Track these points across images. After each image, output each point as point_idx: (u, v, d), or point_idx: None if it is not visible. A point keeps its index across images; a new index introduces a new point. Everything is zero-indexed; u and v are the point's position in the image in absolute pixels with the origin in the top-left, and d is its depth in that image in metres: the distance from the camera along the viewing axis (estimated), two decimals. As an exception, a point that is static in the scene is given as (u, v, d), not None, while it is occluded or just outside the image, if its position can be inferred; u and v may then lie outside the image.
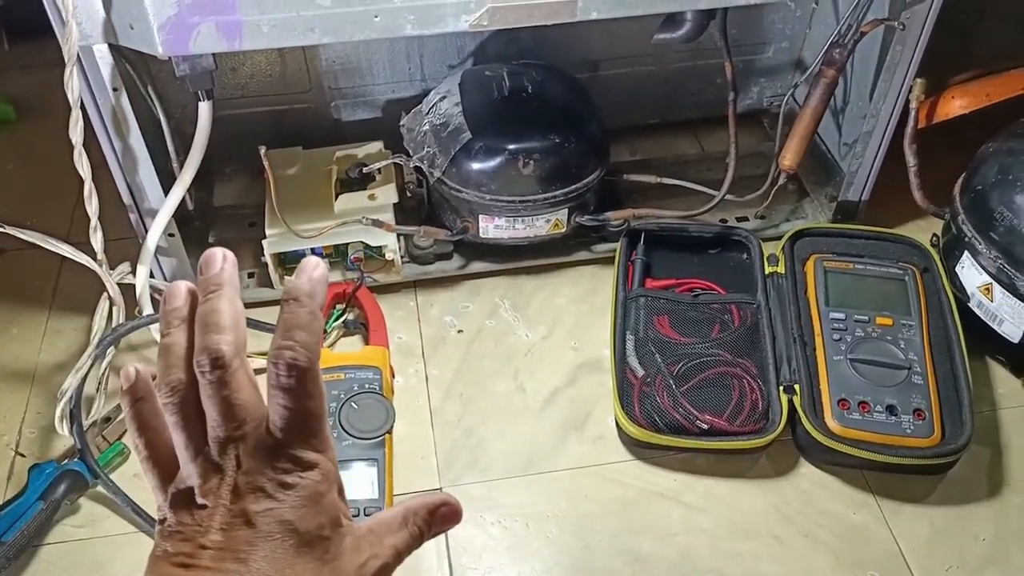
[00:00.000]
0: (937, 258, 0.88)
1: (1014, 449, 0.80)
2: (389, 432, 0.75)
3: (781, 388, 0.79)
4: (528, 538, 0.74)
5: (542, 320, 0.90)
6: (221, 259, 0.42)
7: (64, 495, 0.73)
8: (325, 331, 0.86)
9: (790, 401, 0.78)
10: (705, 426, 0.76)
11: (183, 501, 0.41)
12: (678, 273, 0.91)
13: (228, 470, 0.40)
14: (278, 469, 0.40)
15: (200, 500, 0.40)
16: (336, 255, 0.91)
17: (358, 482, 0.73)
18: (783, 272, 0.88)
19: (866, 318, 0.82)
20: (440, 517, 0.44)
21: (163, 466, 0.43)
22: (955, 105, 0.93)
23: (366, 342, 0.87)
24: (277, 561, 0.39)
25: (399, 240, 0.90)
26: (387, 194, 0.89)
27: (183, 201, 0.80)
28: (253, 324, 0.84)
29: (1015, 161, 0.82)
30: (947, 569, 0.72)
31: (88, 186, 0.72)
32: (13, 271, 0.95)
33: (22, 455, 0.79)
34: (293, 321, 0.40)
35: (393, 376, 0.83)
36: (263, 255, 0.87)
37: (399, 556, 0.43)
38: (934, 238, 0.92)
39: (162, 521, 0.42)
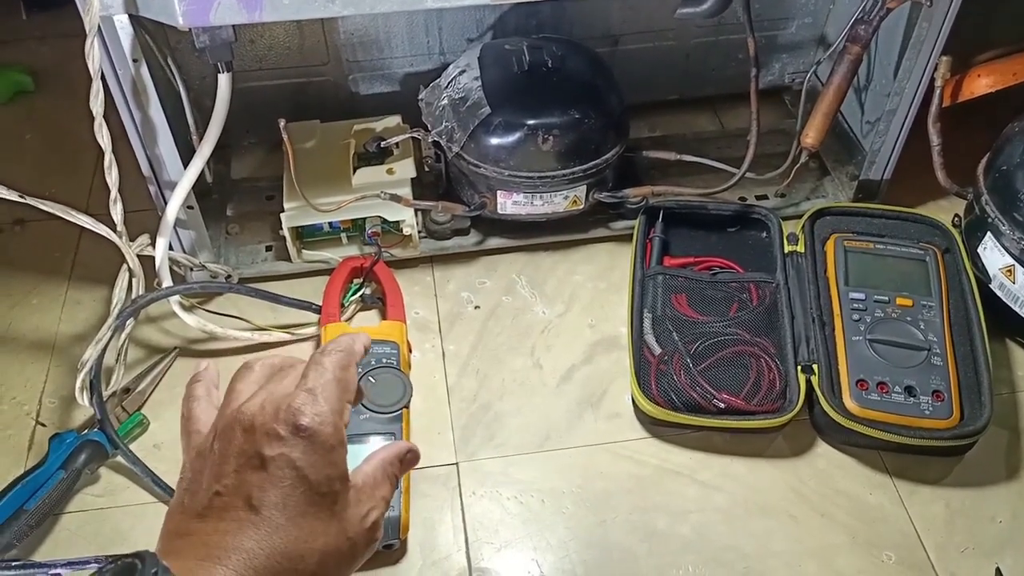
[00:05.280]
0: (959, 239, 0.87)
1: (1033, 432, 0.80)
2: (406, 406, 0.75)
3: (799, 368, 0.79)
4: (544, 513, 0.74)
5: (559, 297, 0.90)
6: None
7: (84, 465, 0.74)
8: (343, 305, 0.86)
9: (808, 381, 0.78)
10: (722, 405, 0.76)
11: (202, 449, 0.44)
12: (696, 251, 0.90)
13: (247, 411, 0.43)
14: (292, 414, 0.42)
15: (215, 444, 0.43)
16: (354, 229, 0.91)
17: (375, 456, 0.73)
18: (803, 251, 0.87)
19: (886, 298, 0.82)
20: (407, 463, 0.49)
21: (197, 431, 0.46)
22: (981, 83, 0.91)
23: (383, 317, 0.87)
24: (289, 510, 0.41)
25: (417, 215, 0.90)
26: (405, 168, 0.89)
27: (201, 173, 0.80)
28: (272, 298, 0.85)
29: (1041, 141, 0.81)
30: (963, 551, 0.72)
31: (108, 157, 0.71)
32: (33, 242, 0.95)
33: (43, 425, 0.80)
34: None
35: (410, 351, 0.83)
36: (281, 228, 0.87)
37: (387, 504, 0.47)
38: (956, 219, 0.91)
39: (182, 475, 0.44)
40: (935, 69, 0.86)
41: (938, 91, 0.88)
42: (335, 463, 0.43)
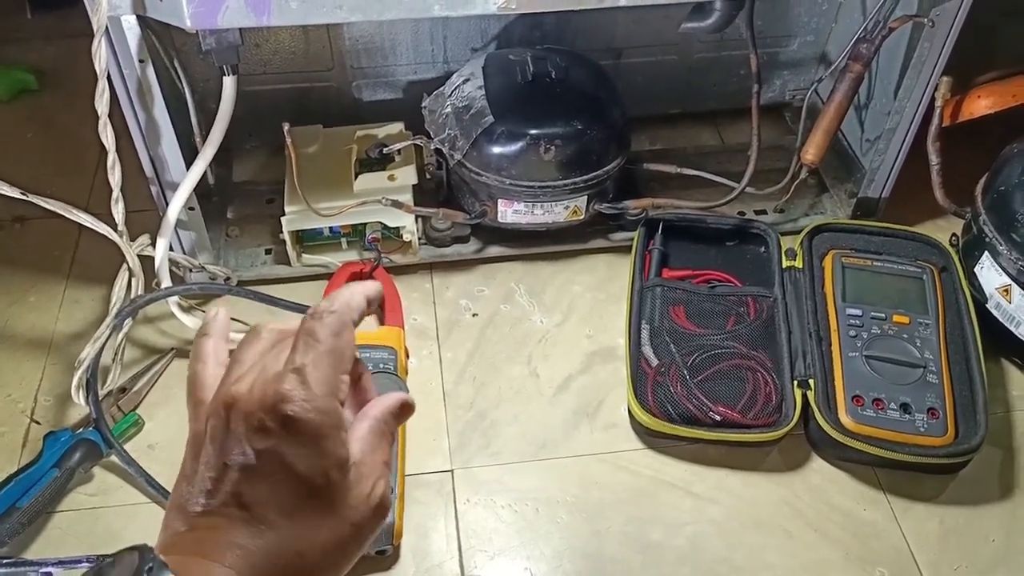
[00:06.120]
0: (956, 258, 0.88)
1: (1027, 451, 0.80)
2: (403, 412, 0.75)
3: (795, 382, 0.79)
4: (538, 522, 0.74)
5: (557, 306, 0.90)
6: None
7: (78, 463, 0.74)
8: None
9: (804, 396, 0.78)
10: (718, 417, 0.76)
11: (198, 431, 0.42)
12: (695, 264, 0.91)
13: (234, 394, 0.40)
14: (279, 401, 0.39)
15: (208, 426, 0.41)
16: (354, 235, 0.91)
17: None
18: (801, 267, 0.88)
19: (883, 315, 0.82)
20: (401, 416, 0.45)
21: (202, 399, 0.43)
22: (981, 104, 0.92)
23: (381, 322, 0.87)
24: (281, 507, 0.39)
25: (417, 222, 0.90)
26: (406, 175, 0.89)
27: (203, 175, 0.80)
28: (270, 301, 0.85)
29: (1040, 163, 0.81)
30: (956, 568, 0.72)
31: (112, 157, 0.72)
32: (33, 240, 0.95)
33: (37, 422, 0.80)
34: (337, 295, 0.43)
35: (408, 357, 0.83)
36: (281, 232, 0.87)
37: (390, 469, 0.44)
38: (953, 237, 0.92)
39: (185, 458, 0.42)
40: (935, 89, 0.86)
41: (938, 111, 0.88)
42: (328, 451, 0.40)
